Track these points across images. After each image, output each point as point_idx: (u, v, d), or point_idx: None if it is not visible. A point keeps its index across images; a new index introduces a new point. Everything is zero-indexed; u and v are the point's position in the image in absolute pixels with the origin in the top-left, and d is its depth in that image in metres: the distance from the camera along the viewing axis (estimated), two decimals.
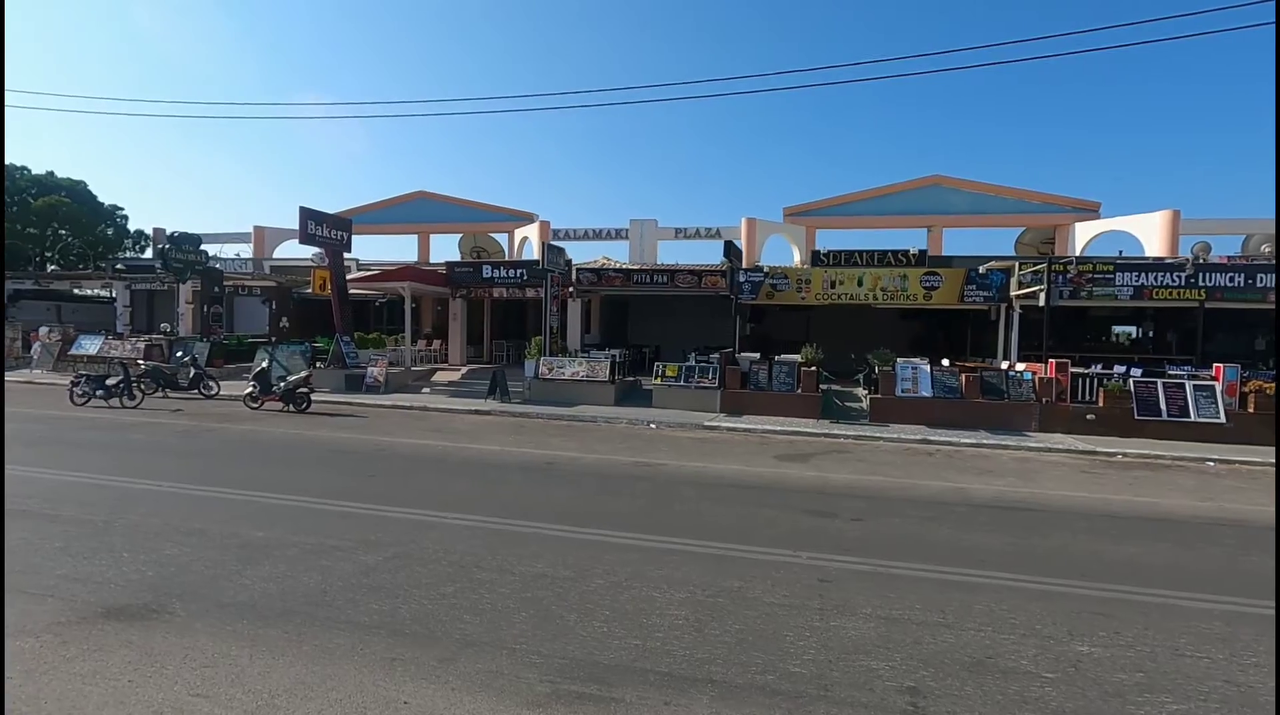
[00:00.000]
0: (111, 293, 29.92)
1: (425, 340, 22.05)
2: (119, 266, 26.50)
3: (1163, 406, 13.17)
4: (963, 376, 14.34)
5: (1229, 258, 19.16)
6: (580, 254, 23.72)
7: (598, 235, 28.01)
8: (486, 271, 20.60)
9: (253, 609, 4.27)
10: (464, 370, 20.81)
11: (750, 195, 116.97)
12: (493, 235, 33.76)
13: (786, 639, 4.02)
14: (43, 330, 22.15)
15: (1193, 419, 12.96)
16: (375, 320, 26.38)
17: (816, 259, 17.68)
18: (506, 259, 28.54)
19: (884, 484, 8.63)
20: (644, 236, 27.23)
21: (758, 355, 16.42)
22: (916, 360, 15.12)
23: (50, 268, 29.82)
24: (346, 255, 22.85)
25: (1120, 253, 23.81)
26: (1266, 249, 22.84)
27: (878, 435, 12.70)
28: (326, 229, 18.04)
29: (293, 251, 32.49)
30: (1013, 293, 16.17)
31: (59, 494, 6.88)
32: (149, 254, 33.46)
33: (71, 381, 14.52)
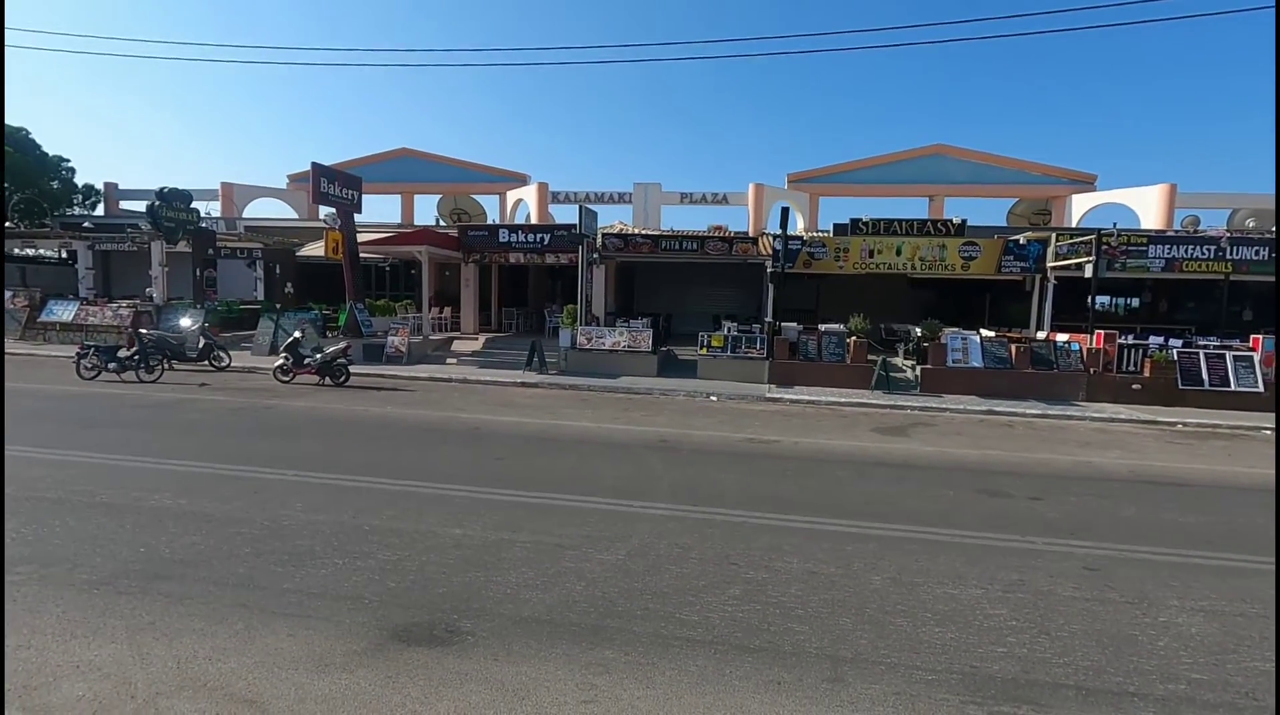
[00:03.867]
0: (62, 253, 27.44)
1: (437, 307, 21.02)
2: (85, 224, 24.13)
3: (1204, 376, 13.66)
4: (1012, 347, 14.52)
5: (1220, 230, 19.96)
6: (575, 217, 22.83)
7: (600, 199, 27.18)
8: (504, 235, 19.66)
9: (548, 625, 3.83)
10: (482, 340, 19.98)
11: (753, 160, 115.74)
12: (477, 198, 32.42)
13: (1139, 641, 3.86)
14: (8, 295, 20.08)
15: (1233, 388, 13.50)
16: (378, 285, 25.05)
17: (855, 228, 17.49)
18: (504, 223, 27.40)
19: (1011, 459, 8.61)
20: (648, 201, 26.57)
21: (801, 326, 16.26)
22: (965, 331, 15.24)
23: None
24: (324, 213, 21.44)
25: (1115, 225, 24.60)
26: (1251, 223, 23.93)
27: (942, 406, 12.76)
28: (339, 187, 16.78)
29: (267, 210, 30.53)
30: (1049, 264, 16.41)
31: (195, 487, 6.13)
32: (100, 211, 30.77)
33: (78, 352, 13.16)
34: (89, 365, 12.93)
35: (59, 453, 7.25)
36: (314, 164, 16.15)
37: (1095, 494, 7.01)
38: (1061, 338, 15.02)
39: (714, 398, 13.36)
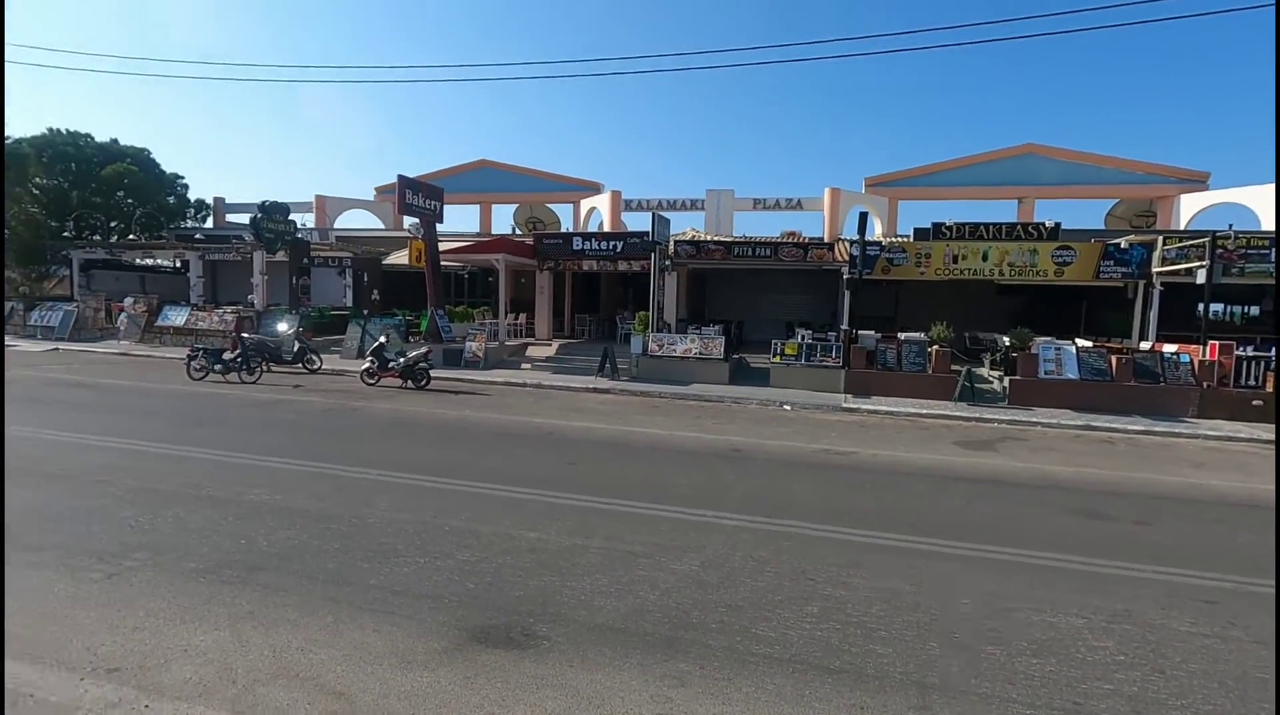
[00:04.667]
0: (176, 263, 29.72)
1: (512, 314, 21.55)
2: (198, 236, 26.12)
3: None
4: (1112, 358, 13.57)
5: None
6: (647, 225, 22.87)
7: (672, 206, 27.21)
8: (577, 243, 19.97)
9: (622, 634, 3.81)
10: (555, 346, 20.34)
11: (828, 165, 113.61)
12: (551, 206, 33.10)
13: (1269, 685, 3.48)
14: (127, 301, 21.97)
15: None
16: (456, 292, 25.96)
17: (938, 232, 16.81)
18: (578, 231, 27.81)
19: (1112, 478, 8.02)
20: (720, 207, 26.40)
21: (878, 334, 15.74)
22: (1059, 341, 14.37)
23: (116, 238, 29.59)
24: (408, 223, 22.37)
25: (1230, 227, 22.64)
26: None
27: (1032, 420, 12.04)
28: (423, 198, 17.49)
29: (356, 221, 32.16)
30: (1154, 269, 15.27)
31: (290, 483, 6.49)
32: (209, 223, 33.19)
33: (189, 355, 14.24)
34: (198, 366, 13.95)
35: (172, 448, 7.83)
36: (400, 177, 16.90)
37: (1210, 519, 6.43)
38: (1169, 349, 13.93)
39: (787, 407, 13.10)
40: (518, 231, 30.26)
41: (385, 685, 3.22)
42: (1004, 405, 13.55)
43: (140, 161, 30.07)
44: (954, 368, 14.52)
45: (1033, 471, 8.25)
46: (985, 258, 16.17)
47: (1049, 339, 14.47)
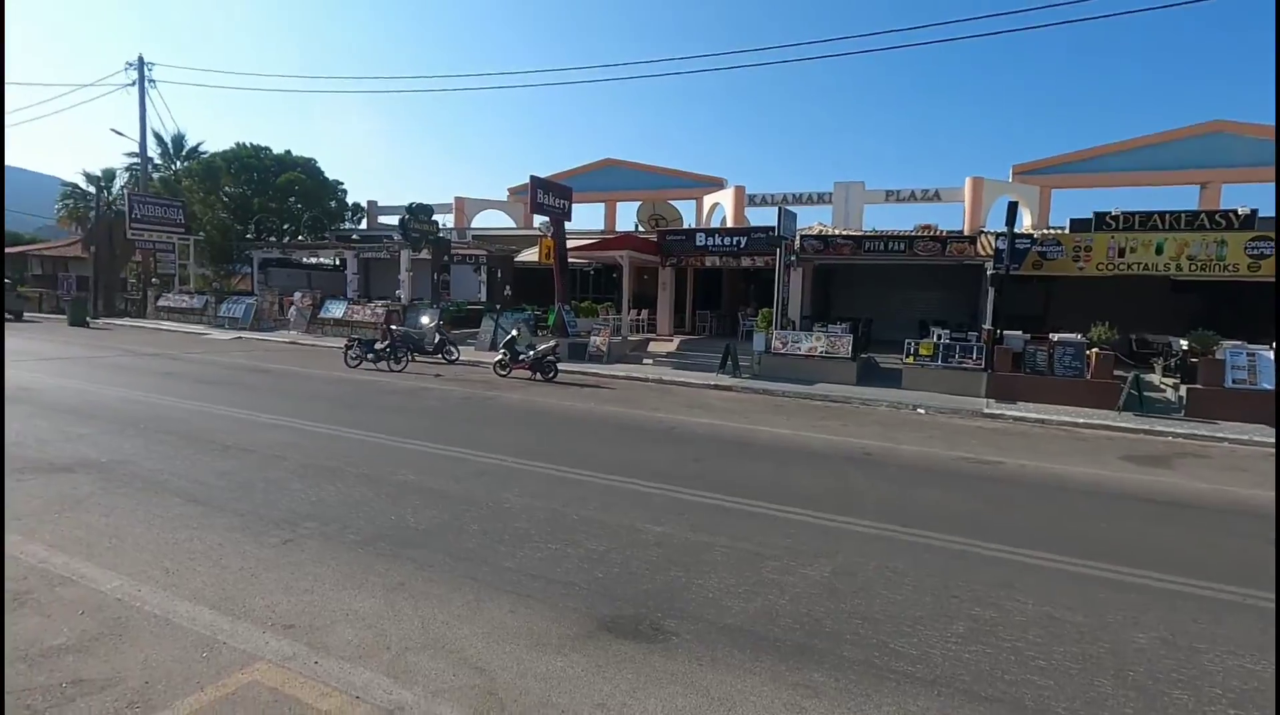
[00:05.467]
0: (336, 260, 32.82)
1: (635, 309, 21.90)
2: (354, 237, 28.80)
3: None
4: None
5: None
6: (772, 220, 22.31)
7: (798, 200, 26.41)
8: (701, 239, 19.89)
9: (751, 636, 3.72)
10: (676, 342, 20.44)
11: (969, 153, 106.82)
12: (674, 203, 33.18)
13: None
14: (296, 296, 24.57)
15: None
16: (581, 288, 26.79)
17: (1101, 223, 15.15)
18: (701, 227, 27.70)
19: None
20: (849, 200, 25.30)
21: (1027, 335, 14.45)
22: (1252, 345, 12.52)
23: (287, 239, 33.13)
24: (538, 222, 23.25)
25: None
26: None
27: (1217, 435, 10.56)
28: (553, 198, 18.12)
29: (490, 220, 33.93)
30: None
31: (433, 466, 6.96)
32: (363, 224, 36.32)
33: (345, 345, 15.68)
34: (353, 355, 15.30)
35: (333, 428, 8.63)
36: (532, 177, 17.62)
37: None
38: None
39: (922, 410, 12.34)
40: (641, 228, 30.63)
41: (522, 665, 3.35)
42: (1180, 417, 12.00)
43: (308, 170, 33.46)
44: (1117, 373, 13.04)
45: (1219, 493, 7.23)
46: (1159, 250, 14.37)
47: (1238, 343, 12.63)
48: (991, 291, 15.74)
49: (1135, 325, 17.71)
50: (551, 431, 9.31)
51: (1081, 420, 11.47)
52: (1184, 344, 13.52)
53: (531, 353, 14.60)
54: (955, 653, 3.61)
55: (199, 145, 35.83)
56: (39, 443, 7.27)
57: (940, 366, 14.29)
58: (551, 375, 14.38)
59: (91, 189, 32.49)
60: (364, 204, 36.70)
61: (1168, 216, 14.72)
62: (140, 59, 30.00)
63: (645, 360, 17.99)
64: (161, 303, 28.03)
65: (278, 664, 3.28)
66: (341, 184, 35.57)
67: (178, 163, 35.40)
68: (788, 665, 3.43)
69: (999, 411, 12.11)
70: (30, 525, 4.93)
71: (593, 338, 17.96)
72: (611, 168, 32.48)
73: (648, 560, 4.72)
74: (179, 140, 35.50)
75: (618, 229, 29.67)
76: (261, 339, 21.84)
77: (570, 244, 19.70)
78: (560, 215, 18.55)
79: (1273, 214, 16.23)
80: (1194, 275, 14.45)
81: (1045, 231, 17.77)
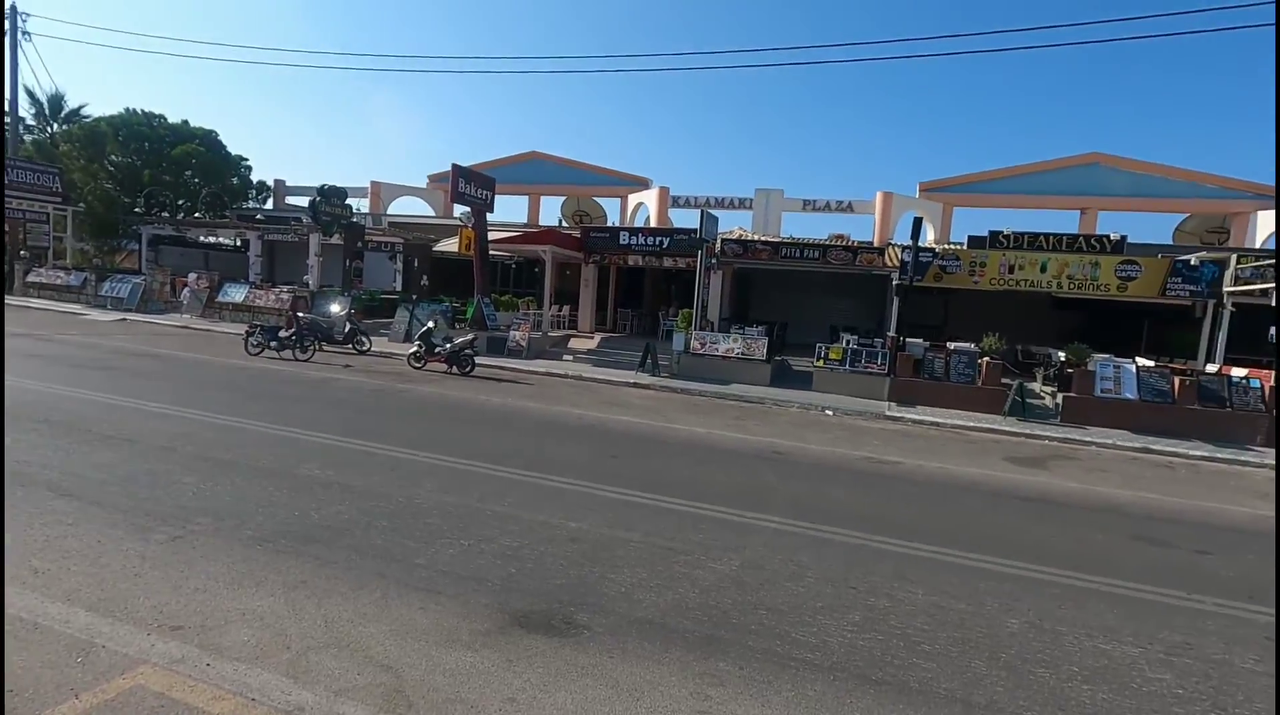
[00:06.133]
0: (237, 241, 30.79)
1: (556, 305, 21.75)
2: (259, 217, 27.07)
3: None
4: (1175, 380, 13.02)
5: None
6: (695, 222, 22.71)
7: (720, 204, 27.05)
8: (624, 238, 20.03)
9: (661, 629, 3.82)
10: (597, 339, 20.46)
11: (881, 168, 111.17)
12: (598, 200, 33.20)
13: None
14: (191, 277, 22.86)
15: None
16: (502, 281, 26.31)
17: (994, 241, 16.34)
18: (625, 226, 27.83)
19: (1171, 505, 7.70)
20: (769, 207, 26.14)
21: (927, 343, 15.40)
22: (1119, 358, 13.85)
23: (182, 215, 30.81)
24: (459, 211, 22.73)
25: None
26: None
27: (1086, 439, 11.63)
28: (475, 188, 17.75)
29: (408, 208, 32.80)
30: (1226, 288, 14.56)
31: (340, 460, 6.69)
32: (269, 204, 34.27)
33: (246, 331, 14.77)
34: (254, 343, 14.45)
35: (229, 419, 8.14)
36: (454, 165, 17.19)
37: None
38: (1238, 373, 13.29)
39: (830, 412, 12.92)
40: (564, 223, 30.45)
41: (431, 661, 3.30)
42: (1056, 422, 13.12)
43: (208, 143, 31.25)
44: (1004, 381, 14.12)
45: (1086, 492, 7.98)
46: (1043, 269, 15.65)
47: (1107, 356, 13.96)
48: (896, 301, 16.68)
49: (1022, 337, 19.20)
50: (466, 426, 9.14)
51: (972, 424, 12.35)
52: (1062, 356, 14.79)
53: (448, 346, 14.27)
54: (851, 640, 3.83)
55: (81, 108, 32.83)
56: None
57: (848, 370, 15.01)
58: (469, 369, 14.10)
59: None
60: (270, 183, 34.63)
61: (1051, 238, 16.07)
62: (13, 7, 27.12)
63: (565, 356, 17.93)
64: (31, 278, 25.44)
65: (165, 667, 3.09)
66: (246, 160, 33.44)
67: (55, 125, 32.25)
68: (695, 655, 3.54)
69: (900, 414, 12.85)
70: None
71: (512, 332, 17.73)
72: (537, 161, 32.12)
73: (562, 556, 4.74)
74: (57, 100, 32.34)
75: (541, 223, 29.36)
76: (149, 322, 20.23)
77: (492, 236, 19.36)
78: (482, 206, 18.20)
79: (1141, 242, 18.00)
80: (1072, 293, 15.82)
81: (946, 246, 18.96)
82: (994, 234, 16.44)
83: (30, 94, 31.07)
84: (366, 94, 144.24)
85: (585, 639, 3.63)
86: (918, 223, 15.20)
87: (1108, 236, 15.87)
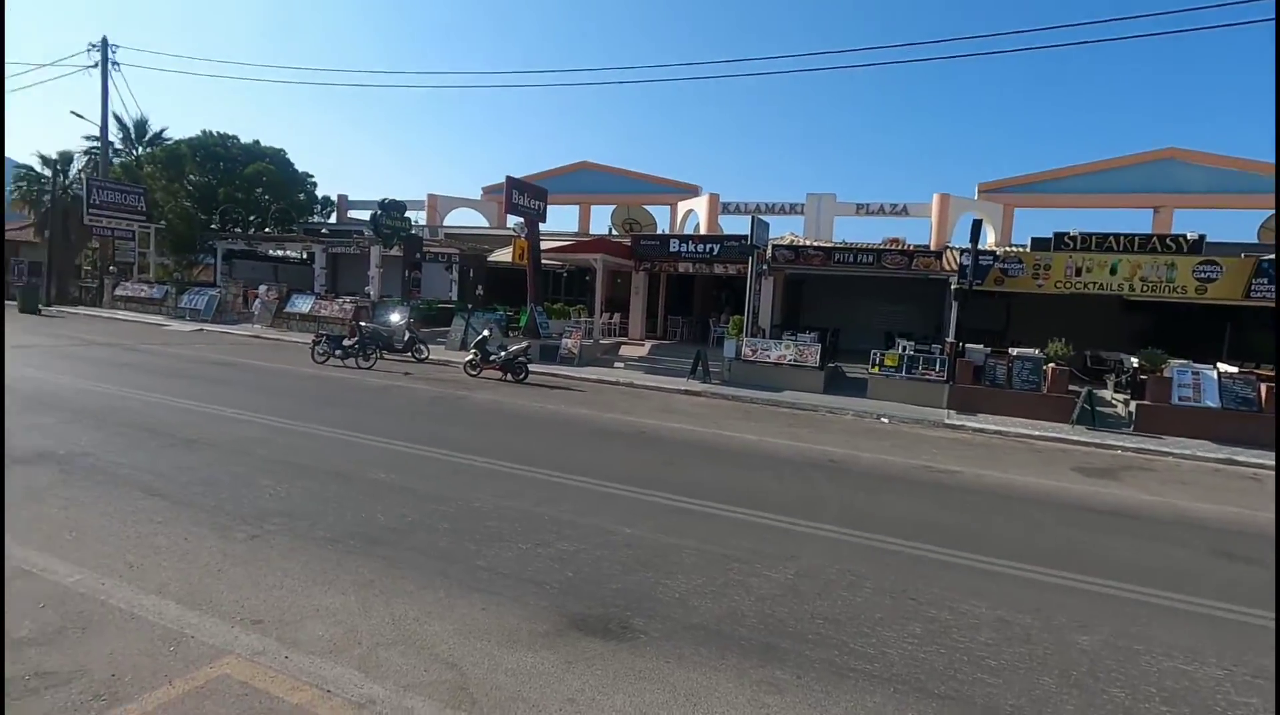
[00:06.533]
0: (303, 254, 32.20)
1: (607, 313, 21.96)
2: (323, 231, 28.29)
3: None
4: (1262, 387, 12.25)
5: None
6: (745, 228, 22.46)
7: (771, 209, 26.80)
8: (674, 245, 20.08)
9: (717, 635, 3.83)
10: (648, 346, 20.56)
11: (938, 170, 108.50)
12: (648, 208, 33.37)
13: None
14: (262, 288, 24.05)
15: None
16: (554, 290, 26.74)
17: (1060, 243, 15.73)
18: (675, 233, 27.89)
19: (1260, 520, 7.25)
20: (821, 212, 25.77)
21: (988, 348, 14.92)
22: (1198, 364, 13.12)
23: (253, 230, 32.41)
24: (512, 222, 23.24)
25: None
26: None
27: (1163, 449, 11.05)
28: (528, 199, 18.12)
29: (463, 219, 33.68)
30: None
31: (404, 464, 6.93)
32: (333, 218, 35.71)
33: (313, 340, 15.44)
34: (320, 351, 15.08)
35: (300, 425, 8.53)
36: (508, 177, 17.60)
37: None
38: None
39: (885, 420, 12.65)
40: (614, 232, 30.72)
41: (493, 660, 3.40)
42: (1129, 432, 12.50)
43: (277, 161, 32.79)
44: (1072, 388, 13.55)
45: (1163, 505, 7.59)
46: (1114, 271, 14.95)
47: (1185, 362, 13.24)
48: (955, 306, 16.21)
49: (1090, 342, 18.38)
50: (522, 432, 9.33)
51: (1037, 432, 11.89)
52: (1134, 362, 14.10)
53: (503, 353, 14.58)
54: (911, 652, 3.76)
55: (163, 131, 34.87)
56: None
57: (904, 377, 14.66)
58: (522, 376, 14.37)
59: (47, 172, 31.31)
60: (334, 198, 36.10)
61: (1122, 238, 15.36)
62: (104, 40, 29.13)
63: (616, 364, 18.07)
64: (119, 292, 27.20)
65: (247, 658, 3.28)
66: (311, 177, 34.93)
67: (140, 148, 34.37)
68: (751, 663, 3.55)
69: (959, 422, 12.47)
70: None
71: (564, 340, 17.98)
72: (587, 171, 32.55)
73: (617, 561, 4.80)
74: (142, 125, 34.50)
75: (592, 232, 29.71)
76: (224, 332, 21.34)
77: (544, 245, 19.69)
78: (535, 216, 18.55)
79: (1220, 240, 17.03)
80: (1145, 296, 15.06)
81: (1008, 249, 18.36)
82: (1059, 235, 15.82)
83: (119, 120, 33.25)
84: (425, 108, 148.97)
85: (642, 643, 3.68)
86: (977, 225, 14.77)
87: (1184, 236, 15.07)
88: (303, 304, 23.02)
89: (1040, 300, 17.55)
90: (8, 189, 33.43)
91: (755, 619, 4.05)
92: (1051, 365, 13.66)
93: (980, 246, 15.30)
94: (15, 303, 24.77)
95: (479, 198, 34.02)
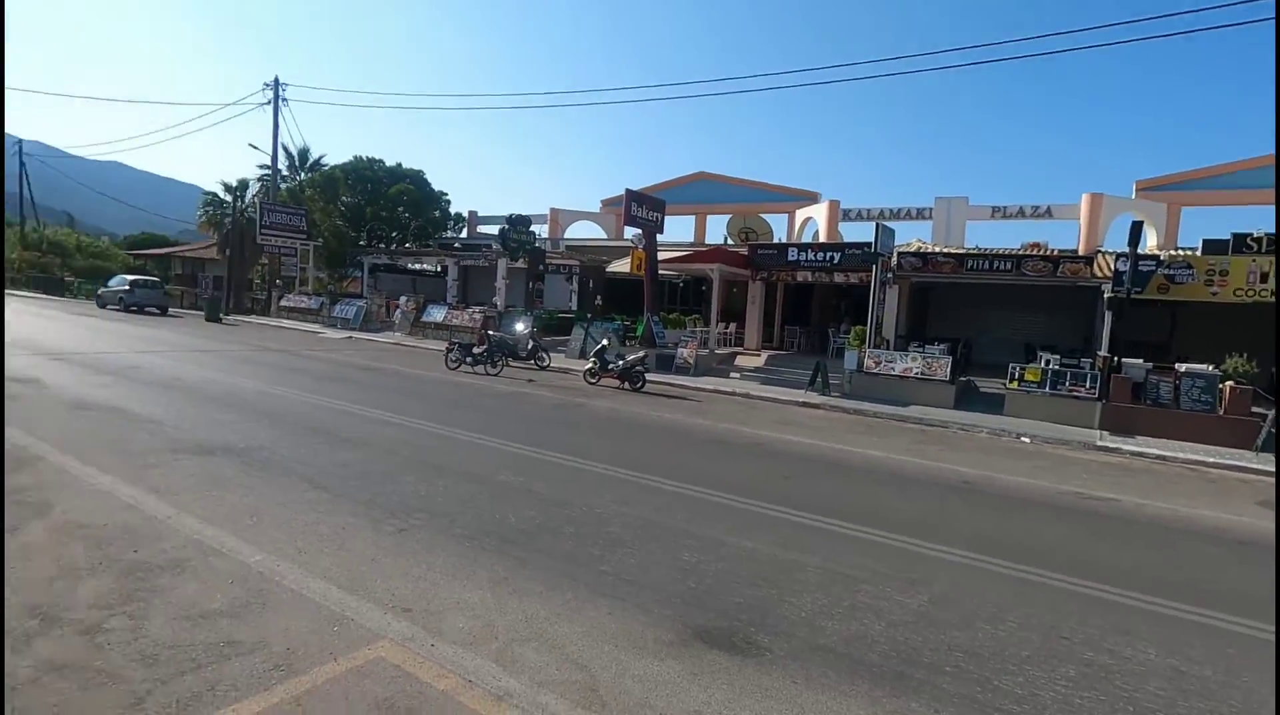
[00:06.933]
0: (438, 267, 34.57)
1: (723, 322, 21.91)
2: (456, 245, 30.31)
3: None
4: None
5: None
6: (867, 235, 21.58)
7: (895, 215, 25.67)
8: (792, 254, 19.67)
9: (846, 659, 3.70)
10: (764, 356, 20.27)
11: (1086, 168, 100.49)
12: (765, 217, 32.94)
13: None
14: (402, 299, 26.10)
15: None
16: (670, 299, 27.05)
17: (1240, 245, 13.92)
18: (793, 241, 27.36)
19: None
20: (951, 216, 24.33)
21: (1149, 364, 13.43)
22: None
23: (395, 246, 35.23)
24: (629, 233, 23.70)
25: None
26: None
27: None
28: (646, 210, 18.46)
29: (583, 231, 34.84)
30: None
31: (529, 468, 7.27)
32: (464, 233, 38.08)
33: (446, 348, 16.55)
34: (453, 358, 16.11)
35: (438, 427, 9.16)
36: (627, 190, 18.03)
37: None
38: None
39: (1026, 439, 11.71)
40: (729, 241, 30.59)
41: (620, 665, 3.48)
42: None
43: (416, 181, 35.49)
44: (1255, 410, 11.92)
45: None
46: None
47: None
48: (1109, 316, 14.76)
49: (1276, 357, 16.08)
50: (639, 440, 9.49)
51: (1211, 459, 10.56)
52: None
53: (620, 362, 14.90)
54: (1066, 696, 3.46)
55: (321, 158, 38.76)
56: (190, 427, 8.13)
57: (1048, 393, 13.52)
58: (639, 385, 14.61)
59: (228, 198, 35.71)
60: (465, 214, 38.52)
61: None
62: (276, 80, 32.88)
63: (732, 374, 17.96)
64: (284, 303, 30.45)
65: (399, 644, 3.56)
66: (446, 195, 37.48)
67: (302, 174, 38.38)
68: (884, 691, 3.40)
69: (1114, 445, 11.31)
70: (184, 500, 5.54)
71: (680, 349, 18.10)
72: (703, 181, 32.68)
73: (739, 574, 4.77)
74: (304, 154, 38.54)
75: (708, 242, 29.77)
76: (369, 339, 23.32)
77: (661, 256, 19.96)
78: (652, 227, 18.86)
79: None
80: None
81: (1173, 252, 16.49)
82: (1239, 237, 14.00)
83: (285, 150, 37.35)
84: (549, 125, 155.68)
85: (767, 661, 3.63)
86: (1138, 227, 13.37)
87: None
88: (437, 314, 24.69)
89: (1213, 310, 15.59)
90: (196, 214, 38.44)
91: (886, 645, 3.88)
92: (1229, 383, 12.10)
93: (1140, 250, 13.83)
94: (202, 312, 28.36)
95: (598, 210, 35.05)
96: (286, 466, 6.73)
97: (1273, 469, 10.11)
